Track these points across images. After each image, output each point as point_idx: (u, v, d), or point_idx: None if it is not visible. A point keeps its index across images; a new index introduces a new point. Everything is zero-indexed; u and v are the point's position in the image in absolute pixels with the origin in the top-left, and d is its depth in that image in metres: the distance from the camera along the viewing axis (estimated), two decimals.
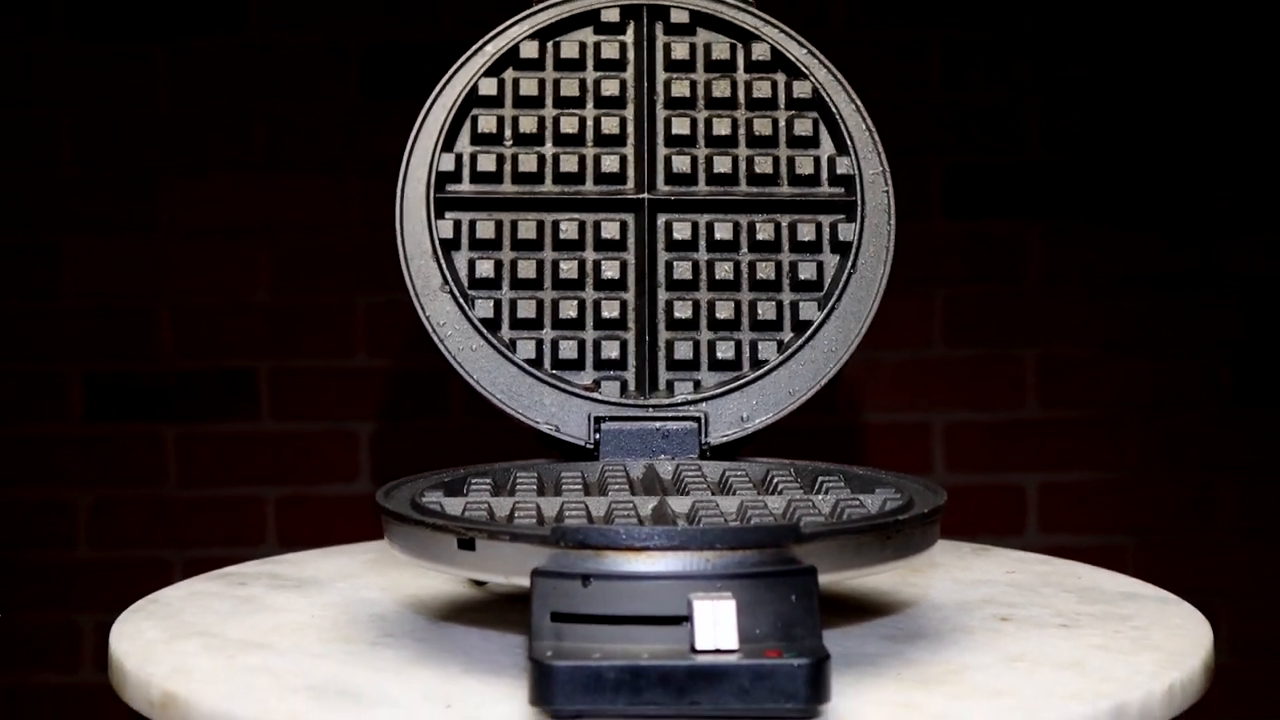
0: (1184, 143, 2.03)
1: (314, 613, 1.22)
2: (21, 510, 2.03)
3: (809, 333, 1.31)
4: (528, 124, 1.33)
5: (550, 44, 1.35)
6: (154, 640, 1.15)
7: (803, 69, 1.35)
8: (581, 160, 1.33)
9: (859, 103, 1.34)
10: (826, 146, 1.34)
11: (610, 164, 1.33)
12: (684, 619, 0.94)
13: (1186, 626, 1.18)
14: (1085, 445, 2.04)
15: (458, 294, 1.30)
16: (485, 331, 1.29)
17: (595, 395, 1.30)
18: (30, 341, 2.02)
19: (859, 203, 1.32)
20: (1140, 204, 2.03)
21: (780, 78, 1.35)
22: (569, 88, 1.34)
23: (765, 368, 1.31)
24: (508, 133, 1.33)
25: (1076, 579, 1.33)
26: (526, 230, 1.32)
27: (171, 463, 2.03)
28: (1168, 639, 1.14)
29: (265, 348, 2.03)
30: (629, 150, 1.34)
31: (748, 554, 0.97)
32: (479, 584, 1.26)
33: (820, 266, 1.33)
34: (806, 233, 1.33)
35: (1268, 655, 2.05)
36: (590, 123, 1.34)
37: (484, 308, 1.30)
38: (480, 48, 1.34)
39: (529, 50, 1.34)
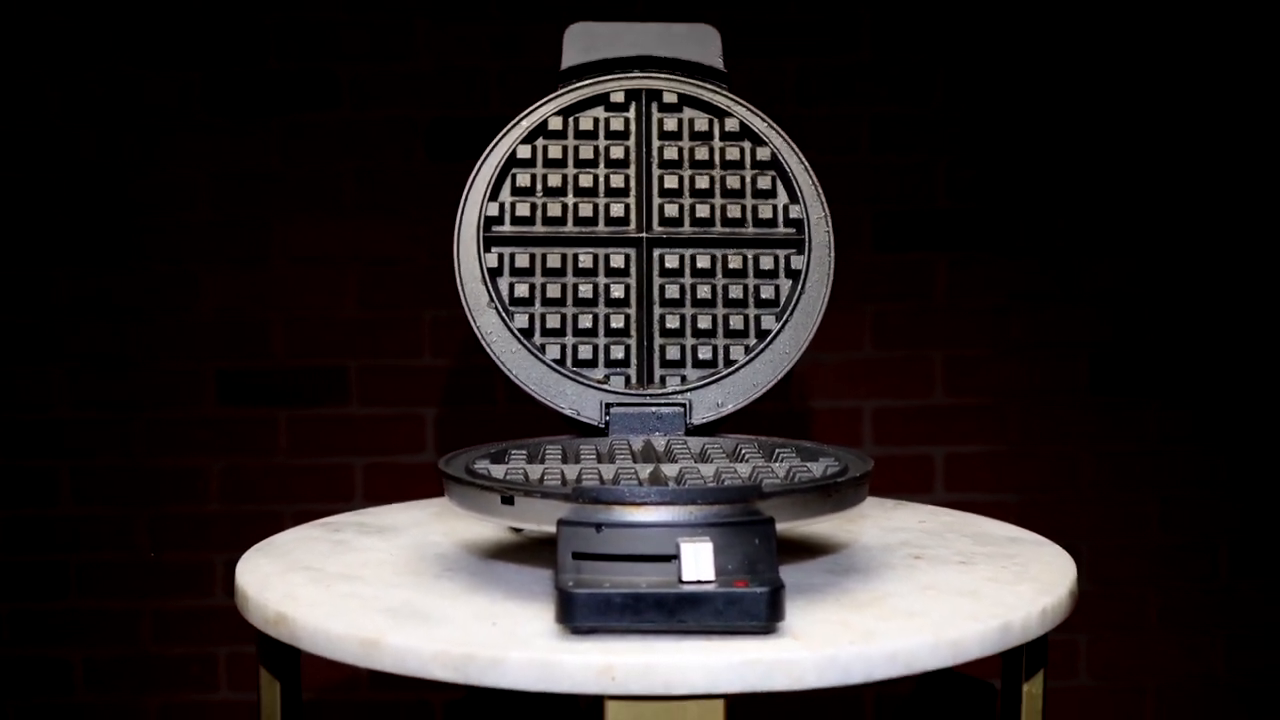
0: (1054, 193, 2.02)
1: (392, 552, 1.23)
2: (168, 475, 2.03)
3: (768, 339, 1.31)
4: (554, 179, 1.33)
5: (571, 118, 1.35)
6: (269, 573, 1.15)
7: (764, 138, 1.35)
8: (595, 207, 1.33)
9: (807, 163, 1.34)
10: (782, 197, 1.34)
11: (617, 210, 1.33)
12: (673, 557, 0.94)
13: (1056, 563, 1.18)
14: (980, 425, 2.04)
15: (501, 310, 1.30)
16: (522, 338, 1.30)
17: (606, 387, 1.30)
18: (175, 346, 2.02)
19: (807, 240, 1.32)
20: (1021, 239, 2.03)
21: (747, 144, 1.35)
22: (585, 152, 1.34)
23: (735, 365, 1.31)
24: (539, 186, 1.34)
25: (973, 527, 1.33)
26: (553, 261, 1.32)
27: (283, 438, 2.03)
28: (1042, 572, 1.14)
29: (354, 350, 2.03)
30: (631, 200, 1.34)
31: (722, 508, 0.97)
32: (517, 531, 1.26)
33: (777, 289, 1.33)
34: (767, 263, 1.33)
35: (1118, 585, 2.05)
36: (602, 179, 1.34)
37: (521, 320, 1.31)
38: (518, 121, 1.34)
39: (555, 123, 1.34)
